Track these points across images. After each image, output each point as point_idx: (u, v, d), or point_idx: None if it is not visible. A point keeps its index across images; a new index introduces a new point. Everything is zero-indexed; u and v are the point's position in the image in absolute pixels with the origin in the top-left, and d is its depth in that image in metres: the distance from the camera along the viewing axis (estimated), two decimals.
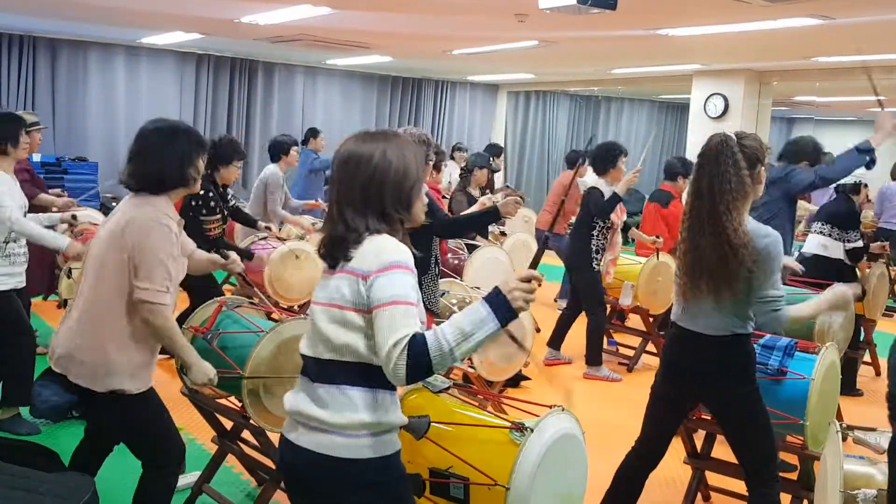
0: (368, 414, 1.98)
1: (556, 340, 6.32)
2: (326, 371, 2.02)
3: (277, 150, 6.94)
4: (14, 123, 4.30)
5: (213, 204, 4.91)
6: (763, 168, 3.00)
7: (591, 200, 5.82)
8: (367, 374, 1.98)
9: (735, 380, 3.00)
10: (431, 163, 4.24)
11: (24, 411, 4.46)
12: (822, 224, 5.74)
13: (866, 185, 7.08)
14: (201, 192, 4.81)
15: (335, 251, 2.01)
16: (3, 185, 4.11)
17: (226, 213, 5.13)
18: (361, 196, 2.00)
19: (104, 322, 2.74)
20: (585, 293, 6.03)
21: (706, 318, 2.98)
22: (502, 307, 1.90)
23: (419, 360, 1.82)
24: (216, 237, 4.94)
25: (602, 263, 5.93)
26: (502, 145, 13.09)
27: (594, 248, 5.84)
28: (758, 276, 2.85)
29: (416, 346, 1.83)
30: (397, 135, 2.11)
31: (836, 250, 5.62)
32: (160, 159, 2.80)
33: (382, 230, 2.00)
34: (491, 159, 7.59)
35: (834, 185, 5.59)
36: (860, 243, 5.68)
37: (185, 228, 2.99)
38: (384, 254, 1.95)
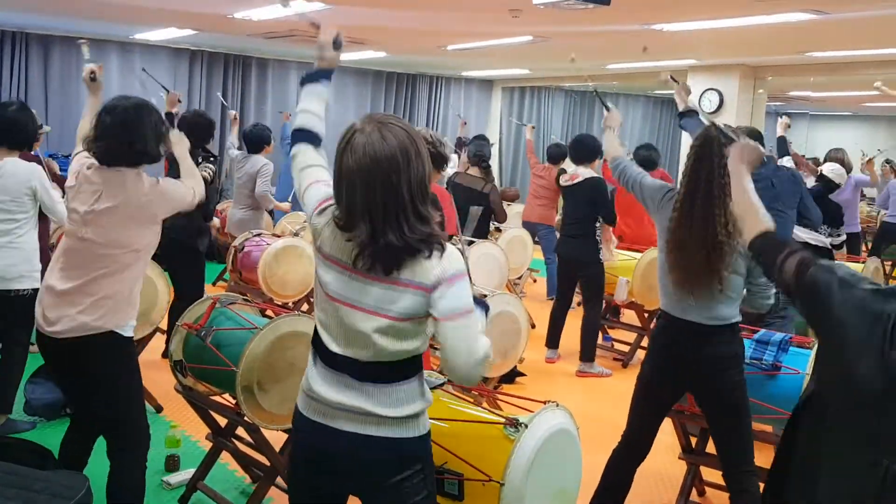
0: (422, 401, 2.03)
1: (553, 339, 6.33)
2: (374, 372, 1.97)
3: (261, 141, 6.69)
4: (35, 124, 4.27)
5: (212, 158, 5.40)
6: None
7: (599, 193, 5.87)
8: (414, 365, 2.01)
9: (729, 368, 3.03)
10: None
11: (17, 411, 4.46)
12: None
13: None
14: (200, 153, 5.24)
15: (388, 261, 1.88)
16: (46, 178, 4.14)
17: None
18: (409, 198, 1.87)
19: (114, 293, 2.87)
20: (593, 286, 6.03)
21: (699, 308, 3.00)
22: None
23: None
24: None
25: (604, 252, 6.00)
26: (492, 140, 13.05)
27: (598, 240, 5.89)
28: (756, 265, 2.87)
29: (489, 347, 1.96)
30: (403, 122, 1.96)
31: (820, 239, 5.69)
32: (144, 135, 2.89)
33: (439, 237, 1.92)
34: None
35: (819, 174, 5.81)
36: (842, 239, 5.80)
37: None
38: (447, 263, 1.90)
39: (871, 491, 1.69)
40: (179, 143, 3.32)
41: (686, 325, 3.04)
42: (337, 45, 2.28)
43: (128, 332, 2.93)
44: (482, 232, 6.33)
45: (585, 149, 6.00)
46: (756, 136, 4.89)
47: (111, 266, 2.86)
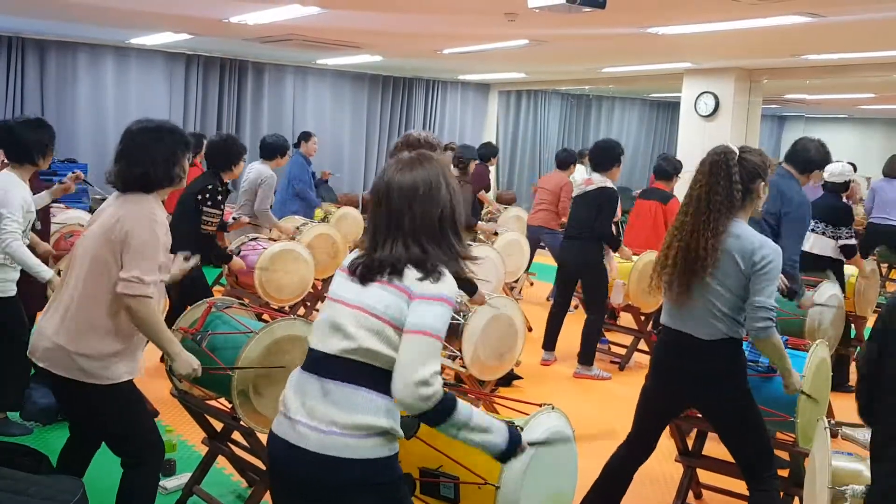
0: (386, 420, 1.99)
1: (550, 342, 6.33)
2: (340, 368, 2.00)
3: (275, 151, 6.69)
4: (49, 133, 4.16)
5: (219, 198, 4.93)
6: (764, 183, 3.02)
7: (606, 203, 5.78)
8: (385, 380, 1.98)
9: (727, 384, 3.03)
10: None
11: (15, 416, 4.44)
12: (816, 222, 5.73)
13: (856, 182, 7.12)
14: (209, 186, 4.89)
15: (386, 269, 2.02)
16: (14, 203, 3.91)
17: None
18: (440, 223, 2.05)
19: (90, 316, 2.76)
20: (595, 292, 6.01)
21: (698, 322, 3.00)
22: (514, 447, 2.10)
23: (445, 411, 1.94)
24: (210, 234, 4.96)
25: (607, 262, 5.97)
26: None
27: (602, 245, 5.87)
28: (754, 283, 2.89)
29: (449, 400, 1.95)
30: (433, 155, 2.15)
31: (824, 248, 5.61)
32: (147, 160, 2.85)
33: (439, 263, 2.03)
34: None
35: (821, 182, 5.58)
36: (853, 240, 5.67)
37: (180, 220, 3.05)
38: (437, 284, 1.99)
39: None
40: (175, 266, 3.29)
41: (683, 338, 3.05)
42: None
43: (120, 380, 2.81)
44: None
45: (607, 156, 5.85)
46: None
47: (90, 289, 2.77)
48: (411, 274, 1.99)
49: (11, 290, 4.10)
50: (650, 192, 7.01)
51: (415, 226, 2.02)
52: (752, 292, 2.90)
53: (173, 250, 3.05)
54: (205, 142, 6.22)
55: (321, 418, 1.98)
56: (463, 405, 1.98)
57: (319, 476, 1.99)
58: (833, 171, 5.91)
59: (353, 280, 2.07)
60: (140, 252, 2.73)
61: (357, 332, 1.99)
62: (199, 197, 4.85)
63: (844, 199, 6.00)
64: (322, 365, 2.04)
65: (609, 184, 5.81)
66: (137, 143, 2.88)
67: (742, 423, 3.04)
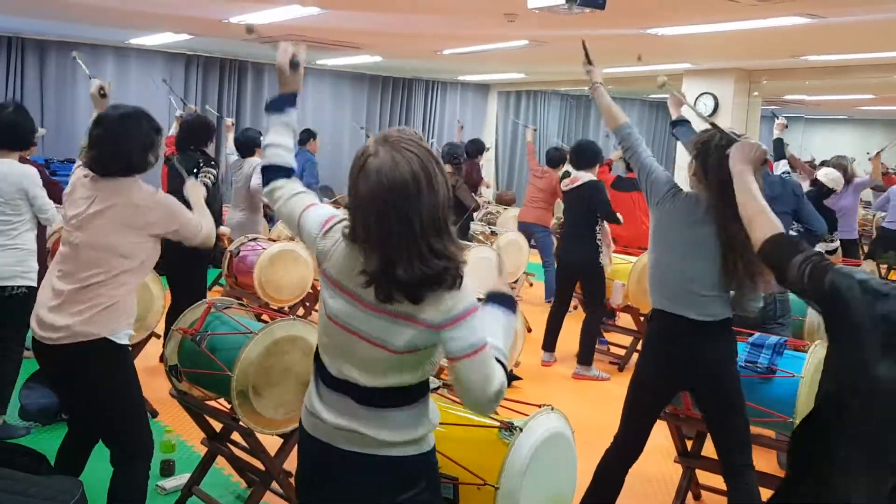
0: (426, 425, 1.97)
1: (550, 342, 6.33)
2: (374, 397, 1.92)
3: (252, 145, 6.69)
4: (31, 126, 4.26)
5: (212, 162, 5.32)
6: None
7: (596, 196, 5.91)
8: (419, 391, 1.96)
9: (724, 362, 3.05)
10: None
11: (12, 416, 4.44)
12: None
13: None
14: (199, 161, 5.22)
15: (396, 294, 1.80)
16: (37, 180, 4.11)
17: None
18: (421, 230, 1.78)
19: (108, 301, 2.85)
20: (594, 290, 6.05)
21: (693, 304, 3.02)
22: (510, 303, 2.02)
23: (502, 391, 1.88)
24: (208, 185, 5.11)
25: (603, 257, 5.99)
26: (488, 144, 13.06)
27: (599, 244, 5.91)
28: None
29: (505, 377, 1.88)
30: (417, 144, 1.85)
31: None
32: (130, 145, 2.90)
33: (453, 271, 1.81)
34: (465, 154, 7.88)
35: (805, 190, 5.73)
36: (836, 245, 5.78)
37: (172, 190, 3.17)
38: (457, 301, 1.81)
39: (887, 492, 1.68)
40: (193, 191, 3.32)
41: (679, 320, 3.06)
42: (294, 65, 2.12)
43: (122, 341, 2.91)
44: (462, 228, 6.59)
45: (586, 154, 6.06)
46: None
47: (104, 272, 2.85)
48: (426, 299, 1.80)
49: (33, 280, 4.13)
50: (624, 182, 7.10)
51: (402, 234, 1.79)
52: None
53: None
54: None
55: (367, 437, 1.92)
56: (501, 355, 1.88)
57: (375, 471, 1.94)
58: (829, 176, 6.02)
59: (352, 303, 1.89)
60: (173, 213, 2.96)
61: (386, 371, 1.90)
62: (195, 170, 5.10)
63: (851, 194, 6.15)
64: (349, 389, 1.94)
65: (591, 177, 5.99)
66: (120, 129, 2.91)
67: (734, 406, 3.06)
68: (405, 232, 1.77)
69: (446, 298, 1.80)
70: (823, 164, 6.96)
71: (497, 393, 1.84)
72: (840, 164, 6.87)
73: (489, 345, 1.84)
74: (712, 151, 2.90)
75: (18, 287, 4.06)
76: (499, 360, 1.87)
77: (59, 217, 3.99)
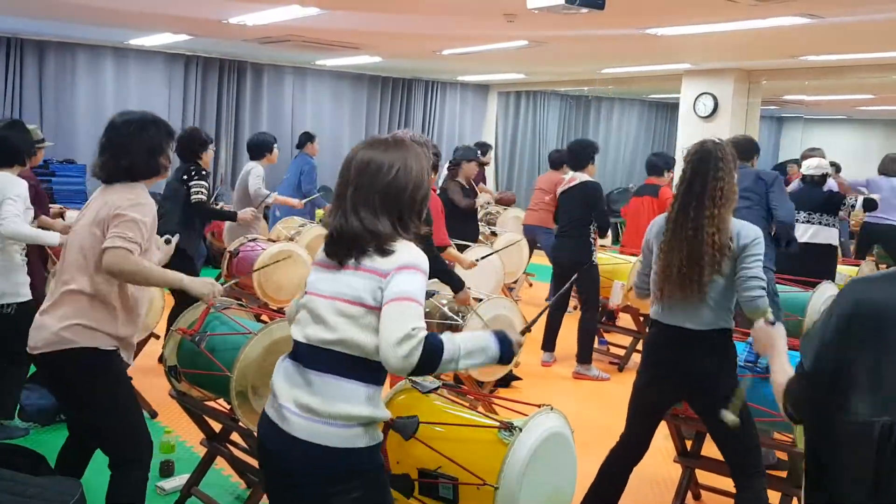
0: (365, 407, 2.05)
1: (549, 342, 6.32)
2: (323, 359, 2.06)
3: (262, 149, 6.79)
4: (26, 139, 4.25)
5: (203, 173, 5.39)
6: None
7: (593, 196, 5.94)
8: (366, 368, 2.05)
9: (722, 373, 3.04)
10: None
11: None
12: (810, 214, 5.89)
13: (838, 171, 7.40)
14: (191, 168, 5.36)
15: (350, 248, 2.06)
16: (15, 191, 3.94)
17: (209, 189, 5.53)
18: (381, 201, 2.07)
19: (89, 306, 2.81)
20: (590, 289, 6.07)
21: (691, 314, 3.02)
22: (507, 350, 2.13)
23: (433, 355, 1.95)
24: (201, 201, 5.30)
25: (595, 256, 6.04)
26: (492, 144, 13.06)
27: (592, 242, 5.93)
28: (742, 259, 2.96)
29: (434, 341, 1.96)
30: (412, 144, 2.18)
31: (826, 236, 5.72)
32: (131, 151, 2.89)
33: (402, 236, 2.08)
34: (478, 153, 7.64)
35: (801, 175, 5.92)
36: (855, 201, 6.02)
37: (166, 200, 3.13)
38: (405, 255, 2.04)
39: None
40: (165, 250, 3.33)
41: (675, 331, 3.06)
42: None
43: (108, 347, 2.86)
44: (467, 230, 6.55)
45: (581, 154, 6.07)
46: (750, 145, 4.96)
47: (86, 278, 2.81)
48: (375, 254, 2.04)
49: (26, 295, 4.09)
50: (643, 188, 7.14)
51: (366, 198, 2.07)
52: (741, 269, 2.96)
53: (161, 231, 3.12)
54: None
55: (305, 407, 2.05)
56: (448, 341, 2.00)
57: (305, 461, 2.05)
58: (810, 165, 6.16)
59: (325, 271, 2.13)
60: (125, 222, 2.76)
61: (337, 323, 2.04)
62: (185, 177, 5.30)
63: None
64: (305, 355, 2.10)
65: (587, 178, 6.00)
66: (122, 134, 2.90)
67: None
68: (367, 195, 2.08)
69: (400, 252, 2.04)
70: (803, 159, 7.07)
71: (404, 338, 1.91)
72: (811, 154, 7.01)
73: (420, 305, 1.99)
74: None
75: (9, 305, 4.01)
76: (443, 347, 1.97)
77: (11, 227, 3.83)
